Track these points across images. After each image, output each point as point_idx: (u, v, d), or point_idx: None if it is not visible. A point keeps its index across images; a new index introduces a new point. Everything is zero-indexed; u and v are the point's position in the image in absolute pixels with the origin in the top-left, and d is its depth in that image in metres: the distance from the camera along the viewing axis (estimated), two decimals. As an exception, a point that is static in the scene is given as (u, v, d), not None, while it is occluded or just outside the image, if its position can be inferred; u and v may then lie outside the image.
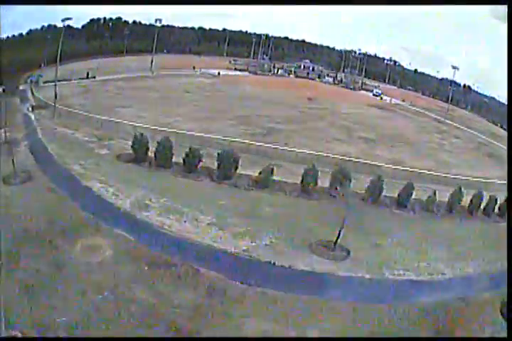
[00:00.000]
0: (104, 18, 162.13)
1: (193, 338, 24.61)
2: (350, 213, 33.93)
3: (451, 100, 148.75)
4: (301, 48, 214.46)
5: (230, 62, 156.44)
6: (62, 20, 71.34)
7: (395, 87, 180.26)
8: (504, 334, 25.02)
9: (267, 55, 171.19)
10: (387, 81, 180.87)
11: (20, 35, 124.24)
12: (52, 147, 50.47)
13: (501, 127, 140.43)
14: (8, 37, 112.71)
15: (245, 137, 60.88)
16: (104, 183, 40.44)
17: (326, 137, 69.54)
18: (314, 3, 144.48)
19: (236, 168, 44.70)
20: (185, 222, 35.04)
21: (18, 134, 54.29)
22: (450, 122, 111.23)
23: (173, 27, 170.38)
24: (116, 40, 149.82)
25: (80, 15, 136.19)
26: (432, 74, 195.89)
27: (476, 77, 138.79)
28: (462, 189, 45.99)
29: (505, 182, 49.24)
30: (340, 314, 27.45)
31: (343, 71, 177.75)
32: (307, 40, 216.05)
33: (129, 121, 61.30)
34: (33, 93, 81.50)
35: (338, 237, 34.37)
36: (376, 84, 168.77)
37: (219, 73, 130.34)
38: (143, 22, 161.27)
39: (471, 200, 46.50)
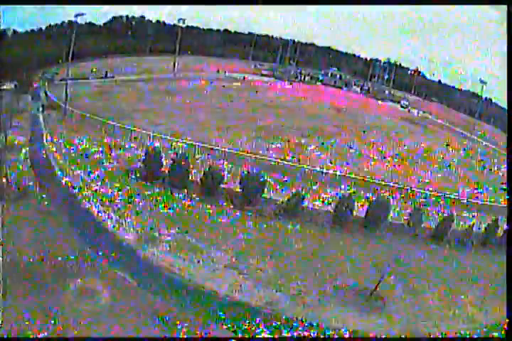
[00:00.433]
0: (127, 16, 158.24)
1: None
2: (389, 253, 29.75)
3: (475, 113, 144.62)
4: (327, 55, 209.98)
5: (255, 66, 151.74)
6: (75, 16, 66.87)
7: (420, 99, 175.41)
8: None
9: (294, 61, 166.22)
10: (413, 92, 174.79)
11: (40, 29, 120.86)
12: (56, 156, 45.43)
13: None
14: (26, 31, 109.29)
15: (270, 151, 55.54)
16: (108, 207, 34.70)
17: (356, 154, 63.75)
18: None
19: (262, 192, 38.76)
20: (198, 262, 29.08)
21: (22, 138, 49.18)
22: (475, 138, 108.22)
23: (197, 28, 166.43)
24: (139, 39, 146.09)
25: (103, 12, 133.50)
26: (454, 85, 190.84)
27: (493, 88, 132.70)
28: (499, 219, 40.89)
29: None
30: None
31: (370, 80, 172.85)
32: (333, 47, 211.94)
33: (144, 129, 55.77)
34: (45, 91, 76.55)
35: (376, 287, 29.10)
36: (402, 94, 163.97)
37: (244, 78, 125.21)
38: (167, 22, 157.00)
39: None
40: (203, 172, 38.81)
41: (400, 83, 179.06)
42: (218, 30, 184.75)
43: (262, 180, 37.90)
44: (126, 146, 50.68)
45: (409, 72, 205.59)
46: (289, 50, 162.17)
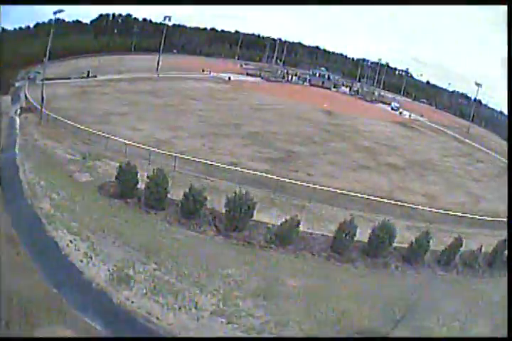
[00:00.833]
0: (114, 14, 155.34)
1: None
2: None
3: (465, 115, 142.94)
4: (315, 55, 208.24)
5: (241, 65, 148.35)
6: (54, 13, 62.22)
7: (410, 100, 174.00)
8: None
9: (280, 60, 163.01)
10: (402, 93, 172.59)
11: (28, 27, 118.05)
12: (25, 169, 40.53)
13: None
14: (15, 29, 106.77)
15: (259, 162, 51.56)
16: (76, 235, 29.60)
17: (352, 163, 60.30)
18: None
19: (251, 216, 33.92)
20: (180, 309, 24.43)
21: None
22: (470, 142, 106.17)
23: (184, 27, 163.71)
24: (125, 37, 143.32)
25: (90, 10, 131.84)
26: (443, 86, 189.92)
27: (484, 90, 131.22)
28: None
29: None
30: None
31: (359, 81, 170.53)
32: (321, 47, 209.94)
33: (123, 135, 51.74)
34: (25, 92, 72.10)
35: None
36: (391, 95, 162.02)
37: (229, 78, 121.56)
38: (153, 20, 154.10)
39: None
40: (183, 193, 34.15)
41: (389, 84, 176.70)
42: (205, 29, 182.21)
43: (248, 202, 33.20)
44: (102, 156, 46.20)
45: (397, 72, 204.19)
46: (276, 50, 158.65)
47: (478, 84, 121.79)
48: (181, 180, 40.74)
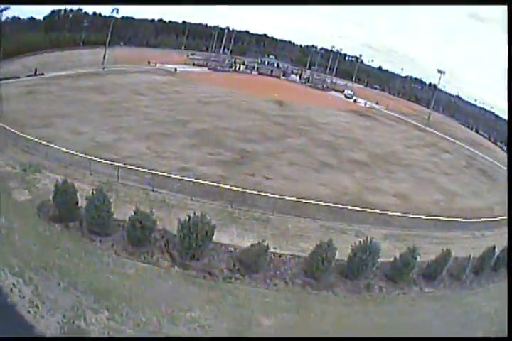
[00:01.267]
0: (65, 10, 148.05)
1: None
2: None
3: (421, 100, 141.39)
4: (262, 43, 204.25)
5: (187, 56, 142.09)
6: (0, 11, 55.63)
7: (362, 86, 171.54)
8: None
9: (228, 49, 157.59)
10: (353, 79, 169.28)
11: None
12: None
13: (476, 131, 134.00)
14: None
15: (211, 166, 46.00)
16: (18, 276, 23.54)
17: (313, 162, 55.34)
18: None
19: (210, 240, 27.87)
20: None
21: None
22: (432, 130, 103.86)
23: (132, 19, 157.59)
24: (75, 32, 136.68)
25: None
26: (395, 71, 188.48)
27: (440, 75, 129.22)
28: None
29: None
30: None
31: (309, 68, 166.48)
32: (268, 35, 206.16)
33: (64, 140, 45.53)
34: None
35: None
36: (343, 82, 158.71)
37: (176, 69, 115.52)
38: (103, 13, 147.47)
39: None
40: (128, 218, 28.12)
41: (340, 70, 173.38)
42: (153, 20, 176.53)
43: (206, 227, 27.35)
44: (42, 167, 39.35)
45: (346, 58, 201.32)
46: (223, 39, 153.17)
47: (440, 72, 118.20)
48: (127, 194, 35.45)
